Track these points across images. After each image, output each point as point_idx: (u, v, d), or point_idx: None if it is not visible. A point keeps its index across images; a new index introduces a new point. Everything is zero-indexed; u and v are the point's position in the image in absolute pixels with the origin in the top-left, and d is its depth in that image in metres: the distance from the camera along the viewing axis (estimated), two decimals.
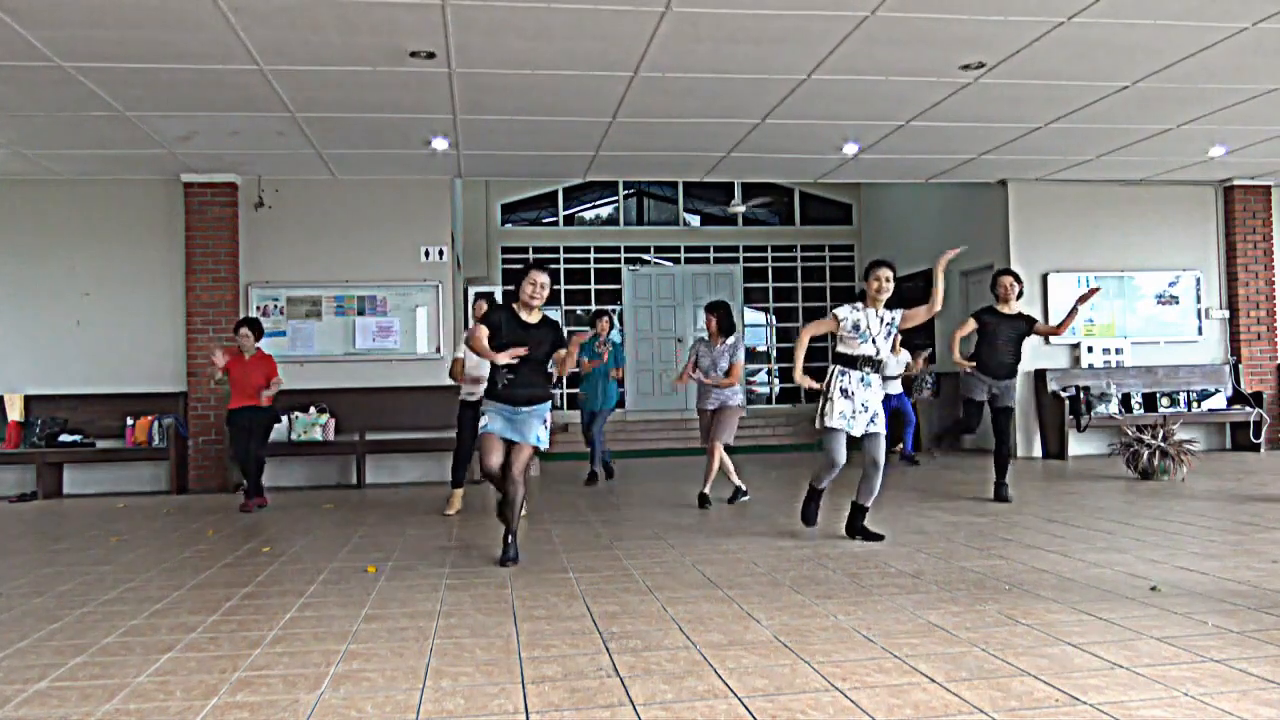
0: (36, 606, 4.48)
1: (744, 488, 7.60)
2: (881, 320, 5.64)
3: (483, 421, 5.31)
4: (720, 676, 3.16)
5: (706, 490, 7.41)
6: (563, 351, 5.42)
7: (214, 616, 4.19)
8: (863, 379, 5.63)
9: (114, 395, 9.52)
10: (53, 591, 4.80)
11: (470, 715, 2.87)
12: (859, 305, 5.69)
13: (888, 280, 5.62)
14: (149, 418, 9.37)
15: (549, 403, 5.46)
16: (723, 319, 7.44)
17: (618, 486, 8.92)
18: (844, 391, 5.61)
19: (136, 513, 7.93)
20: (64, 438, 9.22)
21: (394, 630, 3.87)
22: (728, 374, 7.33)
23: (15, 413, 9.31)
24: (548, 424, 5.42)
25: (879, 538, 5.66)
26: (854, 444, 5.71)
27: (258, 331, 7.96)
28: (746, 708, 2.86)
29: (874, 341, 5.62)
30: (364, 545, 5.99)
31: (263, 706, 2.99)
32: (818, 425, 5.73)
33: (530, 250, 14.67)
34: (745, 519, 6.68)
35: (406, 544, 5.99)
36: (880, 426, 5.67)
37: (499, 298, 9.08)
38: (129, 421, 9.35)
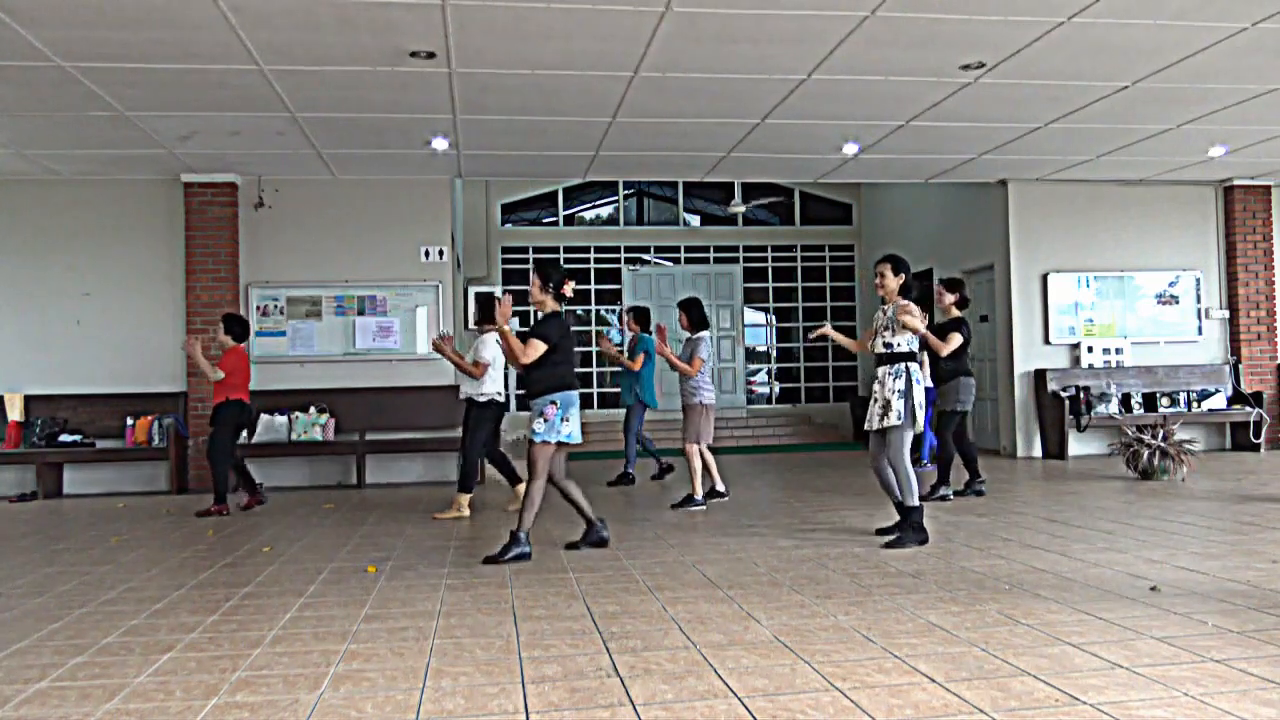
0: (36, 606, 4.48)
1: (699, 498, 7.21)
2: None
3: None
4: (720, 676, 3.16)
5: (699, 490, 7.23)
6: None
7: (214, 616, 4.19)
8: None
9: (114, 395, 9.52)
10: (53, 591, 4.80)
11: (470, 715, 2.87)
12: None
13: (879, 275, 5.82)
14: (149, 418, 9.36)
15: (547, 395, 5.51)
16: (692, 314, 7.51)
17: (616, 486, 8.91)
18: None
19: (136, 513, 7.92)
20: (64, 438, 9.21)
21: (394, 630, 3.87)
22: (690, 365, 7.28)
23: (15, 413, 9.31)
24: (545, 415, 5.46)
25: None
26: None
27: (229, 328, 7.76)
28: (746, 708, 2.86)
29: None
30: (364, 545, 5.99)
31: (263, 706, 2.99)
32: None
33: (530, 250, 14.67)
34: (746, 520, 6.67)
35: (406, 544, 5.99)
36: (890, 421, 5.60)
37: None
38: (129, 421, 9.35)
